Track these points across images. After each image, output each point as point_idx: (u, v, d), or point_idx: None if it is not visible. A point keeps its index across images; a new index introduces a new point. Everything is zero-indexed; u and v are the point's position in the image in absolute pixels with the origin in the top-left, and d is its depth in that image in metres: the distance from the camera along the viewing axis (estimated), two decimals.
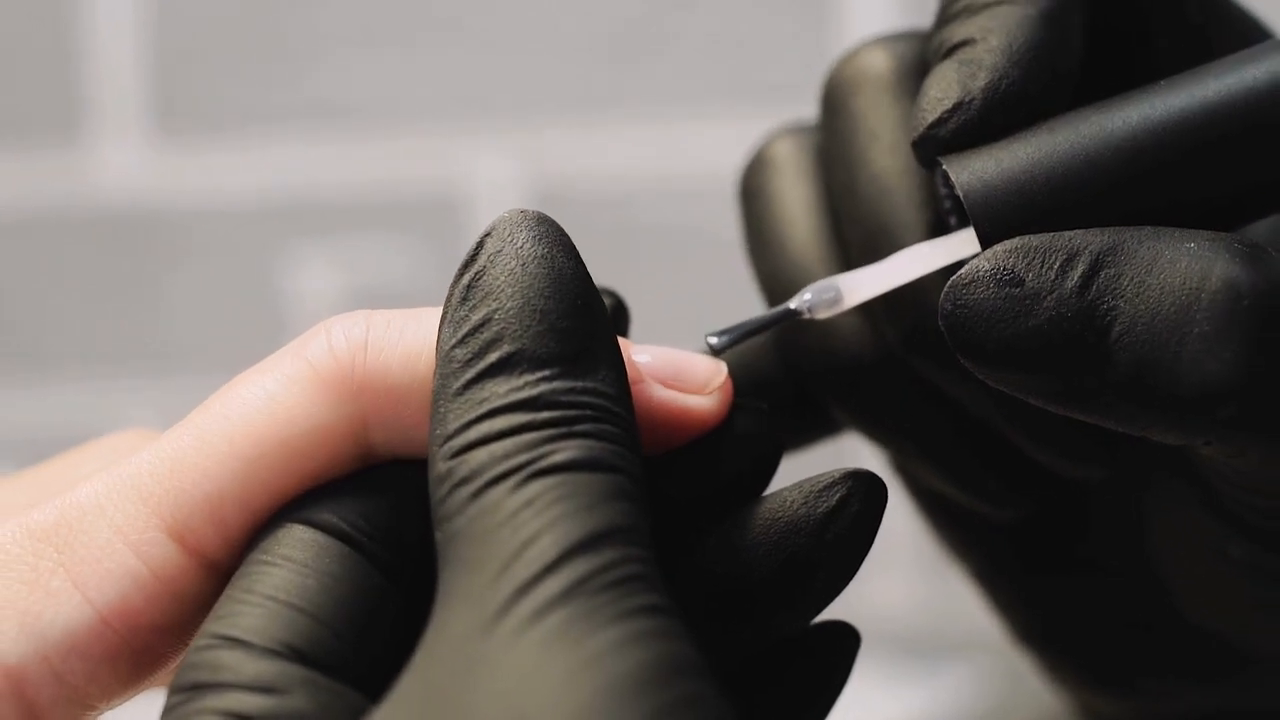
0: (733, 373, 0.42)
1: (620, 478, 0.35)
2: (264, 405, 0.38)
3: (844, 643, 0.41)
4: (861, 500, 0.39)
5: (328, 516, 0.38)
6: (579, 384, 0.36)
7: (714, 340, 0.41)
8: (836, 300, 0.42)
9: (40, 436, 1.14)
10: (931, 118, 0.41)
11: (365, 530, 0.38)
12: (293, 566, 0.37)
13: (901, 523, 1.05)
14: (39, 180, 1.15)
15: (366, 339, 0.38)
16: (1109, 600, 0.50)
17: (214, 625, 0.36)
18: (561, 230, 0.38)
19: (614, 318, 0.44)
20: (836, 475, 0.39)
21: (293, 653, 0.36)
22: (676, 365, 0.40)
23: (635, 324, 0.46)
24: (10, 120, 1.15)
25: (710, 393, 0.40)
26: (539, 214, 0.38)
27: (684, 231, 1.09)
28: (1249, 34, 0.46)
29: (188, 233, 1.14)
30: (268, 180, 1.13)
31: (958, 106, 0.41)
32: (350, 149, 1.12)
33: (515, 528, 0.34)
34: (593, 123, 1.10)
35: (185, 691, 0.35)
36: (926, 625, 1.06)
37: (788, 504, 0.39)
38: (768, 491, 0.41)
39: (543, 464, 0.35)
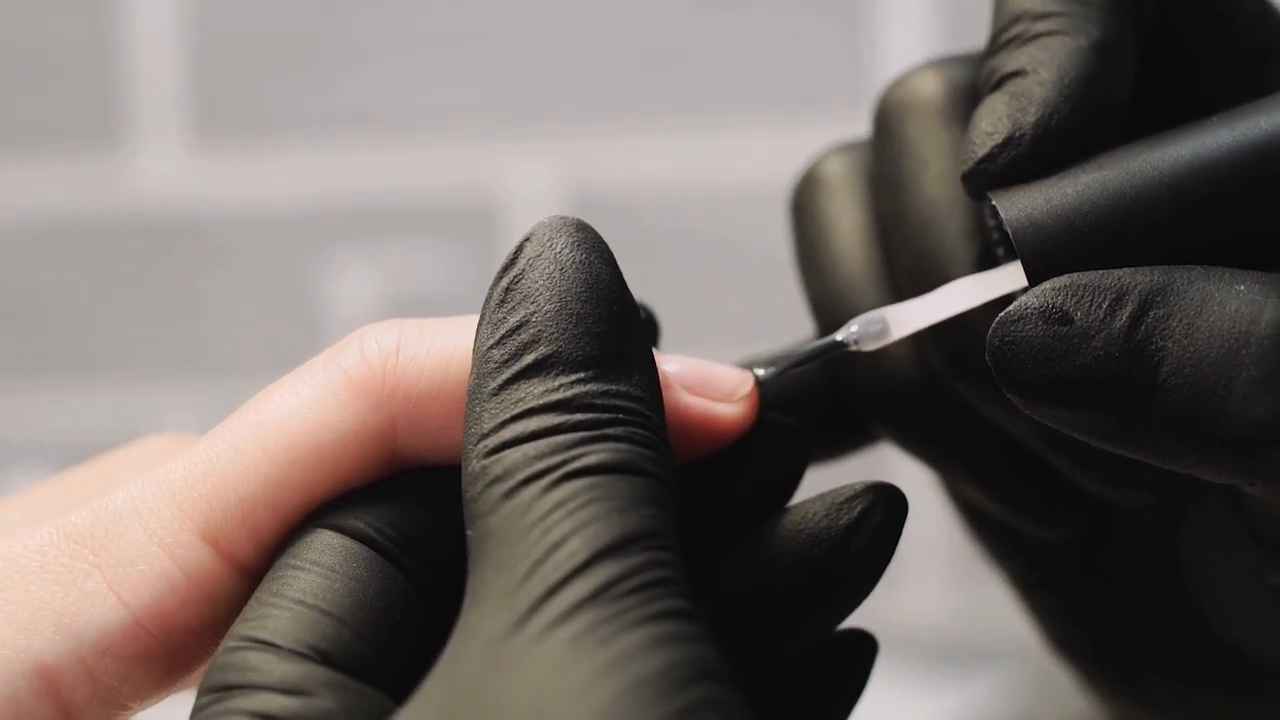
0: (773, 383, 0.42)
1: (650, 481, 0.36)
2: (297, 411, 0.39)
3: (862, 650, 0.42)
4: (883, 513, 0.40)
5: (356, 522, 0.38)
6: (613, 387, 0.37)
7: (761, 373, 0.41)
8: (884, 333, 0.42)
9: (80, 440, 1.15)
10: (982, 152, 0.41)
11: (392, 537, 0.38)
12: (320, 571, 0.38)
13: (934, 530, 1.05)
14: (80, 187, 1.16)
15: (399, 345, 0.39)
16: (1143, 612, 0.50)
17: (243, 628, 0.37)
18: (599, 237, 0.38)
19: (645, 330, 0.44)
20: (858, 488, 0.40)
21: (319, 655, 0.36)
22: (704, 374, 0.40)
23: (670, 330, 0.47)
24: (52, 127, 1.16)
25: (737, 401, 0.40)
26: (578, 221, 0.38)
27: (719, 238, 1.10)
28: None
29: (226, 238, 1.15)
30: (305, 186, 1.14)
31: (1008, 141, 0.41)
32: (387, 156, 1.12)
33: (546, 529, 0.35)
34: (629, 130, 1.10)
35: (214, 692, 0.36)
36: (959, 632, 1.06)
37: (810, 516, 0.40)
38: (792, 502, 0.41)
39: (575, 465, 0.35)
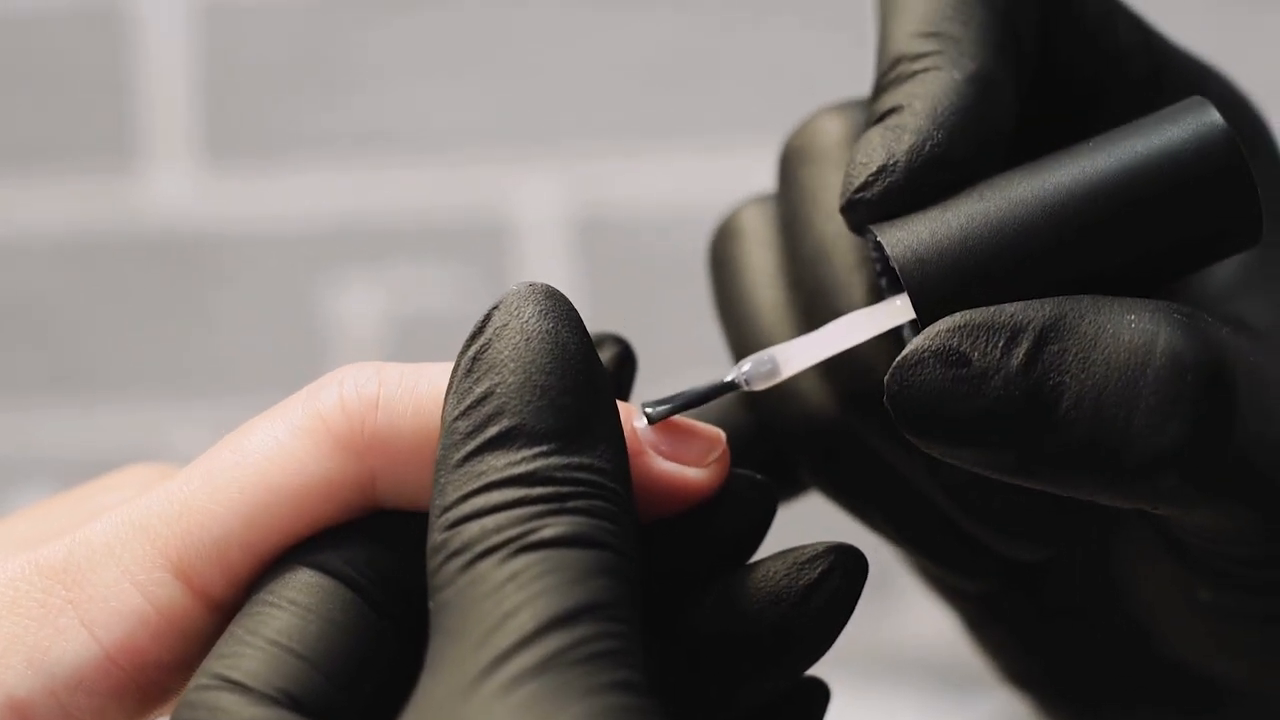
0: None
1: (608, 554, 0.36)
2: (274, 454, 0.39)
3: (814, 700, 0.42)
4: (842, 575, 0.40)
5: (334, 561, 0.39)
6: (575, 460, 0.37)
7: (650, 411, 0.41)
8: (773, 372, 0.42)
9: (86, 457, 1.15)
10: (857, 181, 0.41)
11: (369, 575, 0.39)
12: (296, 610, 0.38)
13: None
14: (91, 204, 1.16)
15: (378, 397, 0.39)
16: (1092, 642, 0.50)
17: (216, 665, 0.37)
18: (569, 305, 0.38)
19: (621, 366, 0.45)
20: (820, 549, 0.40)
21: (289, 699, 0.37)
22: (678, 435, 0.40)
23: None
24: (64, 146, 1.16)
25: (708, 465, 0.40)
26: (547, 288, 0.38)
27: None
28: (1199, 81, 0.46)
29: (235, 257, 1.15)
30: (313, 206, 1.14)
31: (882, 170, 0.41)
32: (395, 176, 1.13)
33: (499, 600, 0.35)
34: (637, 150, 1.11)
35: None
36: (961, 656, 1.06)
37: (771, 574, 0.40)
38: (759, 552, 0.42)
39: (531, 539, 0.36)
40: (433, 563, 0.36)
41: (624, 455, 0.38)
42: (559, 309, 0.38)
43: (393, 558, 0.39)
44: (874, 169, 0.41)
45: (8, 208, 1.17)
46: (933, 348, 0.39)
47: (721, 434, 0.41)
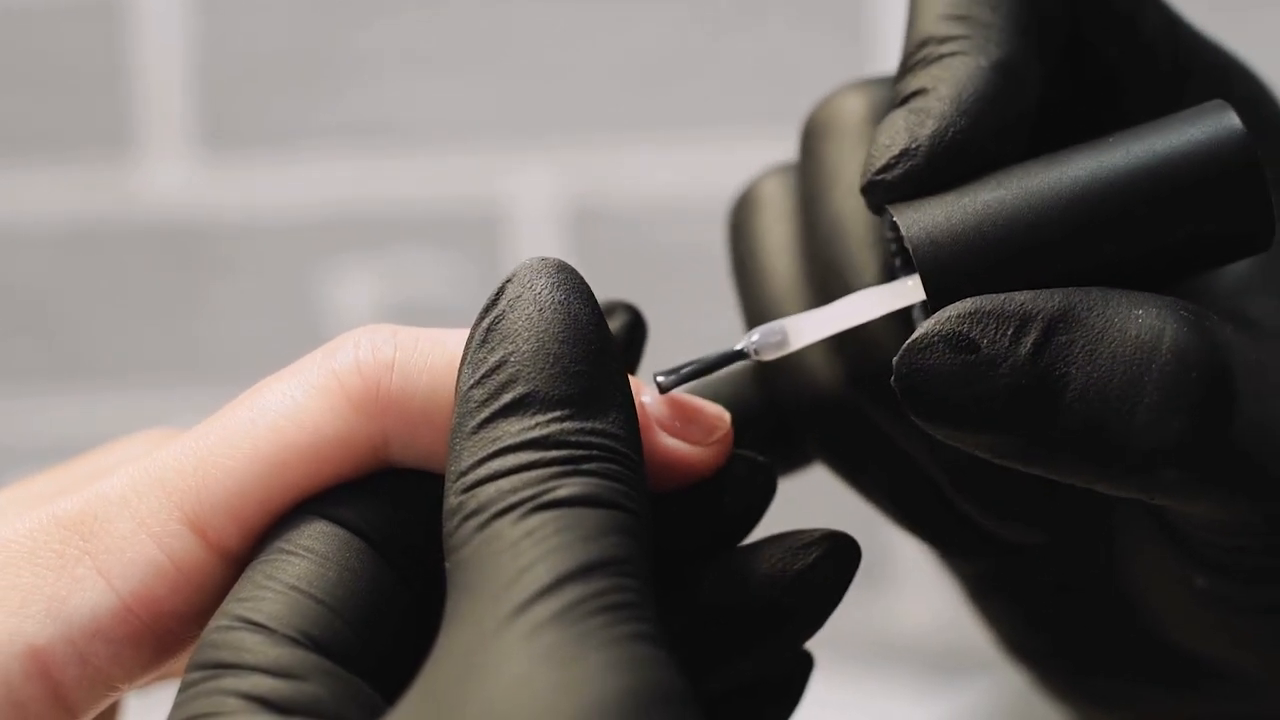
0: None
1: (621, 514, 0.37)
2: (289, 413, 0.40)
3: (796, 669, 0.43)
4: (835, 562, 0.41)
5: (349, 514, 0.39)
6: (588, 425, 0.37)
7: (662, 379, 0.42)
8: (783, 343, 0.43)
9: (85, 446, 1.15)
10: (878, 163, 0.42)
11: (383, 530, 0.39)
12: (314, 558, 0.38)
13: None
14: (89, 194, 1.17)
15: (394, 360, 0.40)
16: (1086, 616, 0.50)
17: (236, 607, 0.38)
18: (580, 278, 0.39)
19: (631, 333, 0.45)
20: (815, 535, 0.41)
21: (311, 641, 0.37)
22: (683, 413, 0.41)
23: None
24: (62, 136, 1.16)
25: (711, 444, 0.41)
26: (559, 262, 0.39)
27: (719, 250, 1.10)
28: (1224, 75, 0.46)
29: (232, 247, 1.15)
30: (310, 196, 1.14)
31: (904, 153, 0.42)
32: (392, 166, 1.13)
33: (515, 555, 0.35)
34: (632, 142, 1.11)
35: (205, 669, 0.37)
36: (951, 642, 1.07)
37: (765, 557, 0.41)
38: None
39: (546, 498, 0.36)
40: (449, 525, 0.37)
41: (635, 422, 0.38)
42: (570, 281, 0.39)
43: (404, 513, 0.40)
44: (896, 152, 0.42)
45: (5, 197, 1.18)
46: (942, 332, 0.39)
47: (726, 414, 0.42)
